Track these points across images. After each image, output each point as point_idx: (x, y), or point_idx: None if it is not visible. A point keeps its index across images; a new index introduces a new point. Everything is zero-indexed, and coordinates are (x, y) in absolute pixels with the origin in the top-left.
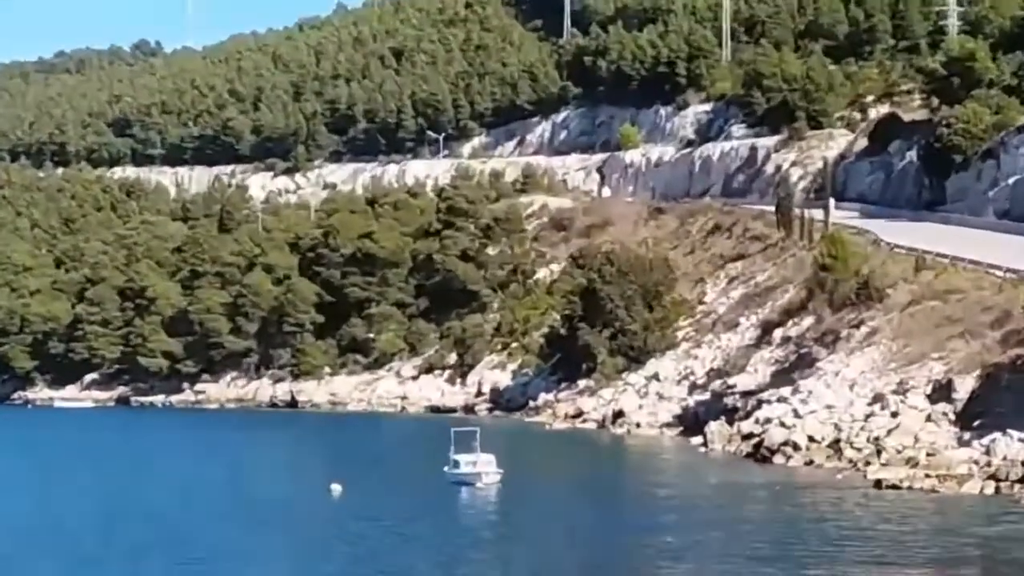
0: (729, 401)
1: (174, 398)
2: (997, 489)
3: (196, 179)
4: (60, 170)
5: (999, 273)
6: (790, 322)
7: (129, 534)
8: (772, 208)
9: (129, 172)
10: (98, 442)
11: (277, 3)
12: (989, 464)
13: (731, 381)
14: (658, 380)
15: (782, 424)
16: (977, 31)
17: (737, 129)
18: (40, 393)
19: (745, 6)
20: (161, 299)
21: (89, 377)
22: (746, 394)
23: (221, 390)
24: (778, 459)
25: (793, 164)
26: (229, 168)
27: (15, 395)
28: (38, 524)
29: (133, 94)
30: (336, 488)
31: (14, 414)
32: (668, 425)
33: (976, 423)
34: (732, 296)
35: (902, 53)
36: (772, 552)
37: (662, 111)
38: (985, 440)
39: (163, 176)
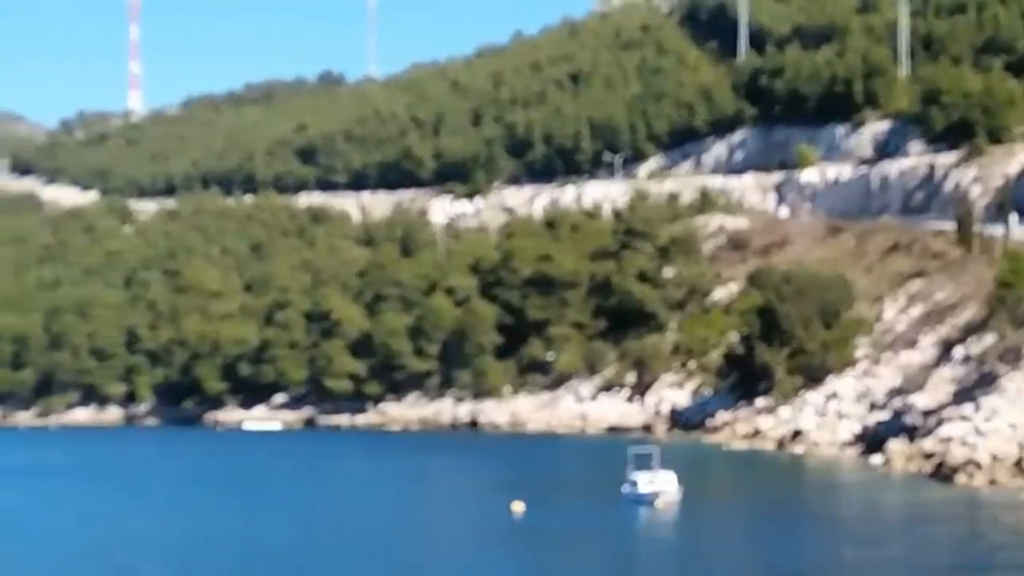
0: (909, 420)
1: (358, 419)
2: None
3: (379, 204)
4: (249, 197)
5: None
6: (970, 340)
7: (337, 552)
8: (952, 226)
9: (314, 198)
10: (291, 464)
11: (457, 32)
12: None
13: (911, 400)
14: (837, 399)
15: (964, 443)
16: None
17: (915, 146)
18: (230, 415)
19: (922, 23)
20: (345, 322)
21: (277, 399)
22: (926, 413)
23: (404, 411)
24: (960, 478)
25: (973, 181)
26: (411, 193)
27: (206, 417)
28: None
29: (318, 123)
30: (517, 507)
31: (209, 437)
32: (847, 444)
33: None
34: (911, 314)
35: None
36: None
37: (839, 130)
38: None
39: (347, 202)
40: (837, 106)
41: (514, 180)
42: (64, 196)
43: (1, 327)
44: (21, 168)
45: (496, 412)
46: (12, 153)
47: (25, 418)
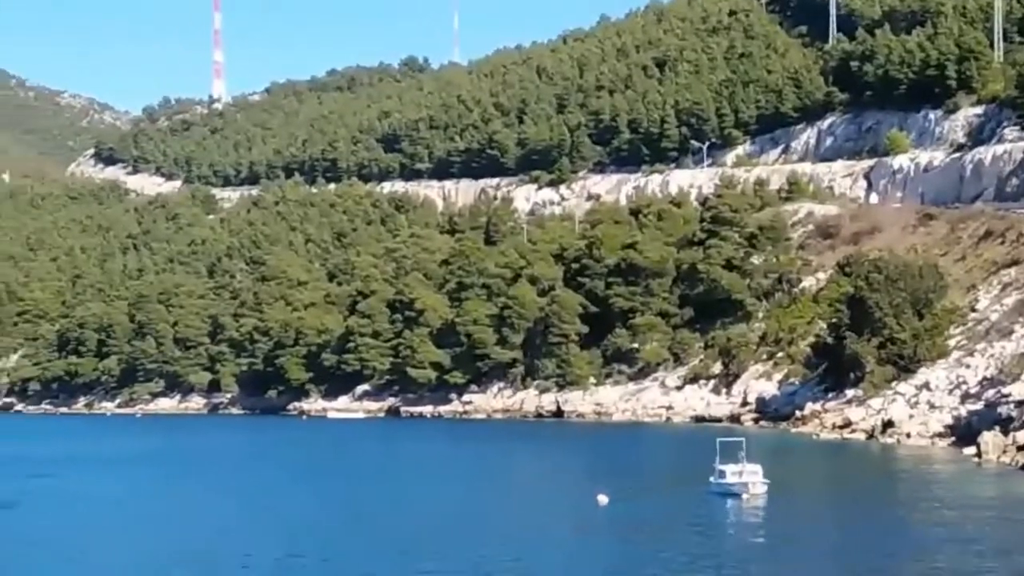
0: (1003, 411)
1: (442, 408)
2: None
3: (462, 192)
4: (332, 185)
5: None
6: None
7: (432, 538)
8: None
9: (398, 186)
10: (381, 452)
11: (541, 17)
12: None
13: (1005, 390)
14: (929, 389)
15: None
16: None
17: (1010, 132)
18: (314, 404)
19: (1017, 6)
20: (429, 311)
21: (360, 388)
22: (1021, 403)
23: (488, 400)
24: None
25: None
26: (495, 181)
27: (290, 406)
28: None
29: (401, 110)
30: (602, 499)
31: (297, 425)
32: (939, 435)
33: None
34: (1006, 303)
35: None
36: None
37: (931, 115)
38: None
39: (430, 190)
40: (929, 91)
41: (599, 167)
42: (148, 185)
43: (87, 316)
44: (106, 157)
45: (581, 402)
46: (97, 142)
47: (110, 406)
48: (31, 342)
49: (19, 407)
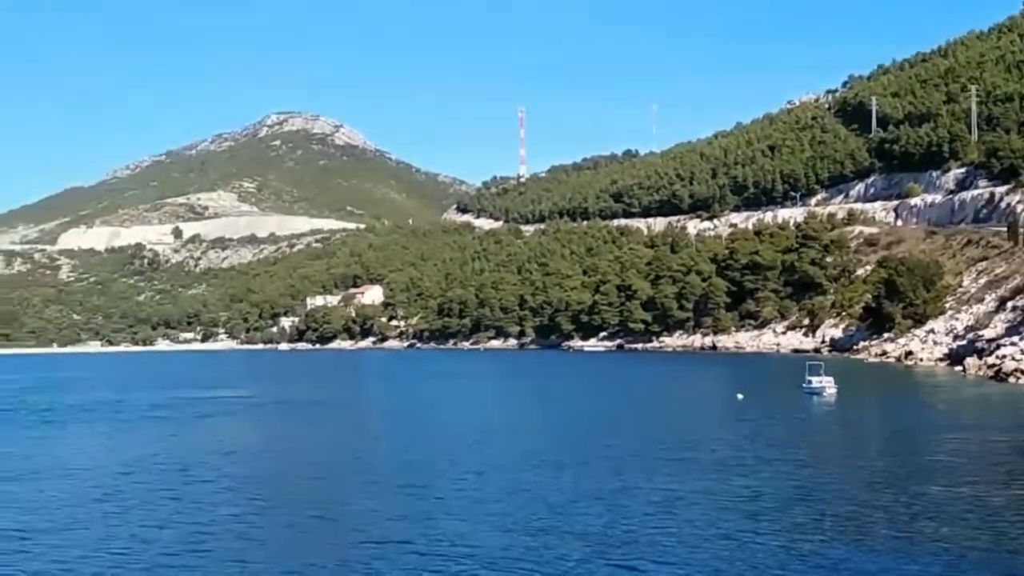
0: (979, 345)
1: (647, 345)
2: None
3: (658, 224)
4: (585, 222)
5: None
6: (1017, 297)
7: (633, 417)
8: (1004, 229)
9: (621, 222)
10: (614, 367)
11: (702, 123)
12: None
13: (980, 333)
14: (934, 333)
15: (1013, 358)
16: None
17: (981, 183)
18: (575, 343)
19: (985, 108)
20: (640, 291)
21: (601, 334)
22: (990, 340)
23: (673, 341)
24: (1012, 380)
25: (1018, 202)
26: (676, 217)
27: (563, 344)
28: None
29: (623, 179)
30: (740, 396)
31: (567, 355)
32: (940, 360)
33: None
34: (979, 282)
35: None
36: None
37: (933, 174)
38: None
39: (640, 223)
40: (932, 160)
41: (735, 209)
42: (485, 224)
43: (453, 295)
44: (462, 208)
45: (726, 341)
46: (457, 200)
47: (465, 345)
48: (424, 310)
49: (419, 346)
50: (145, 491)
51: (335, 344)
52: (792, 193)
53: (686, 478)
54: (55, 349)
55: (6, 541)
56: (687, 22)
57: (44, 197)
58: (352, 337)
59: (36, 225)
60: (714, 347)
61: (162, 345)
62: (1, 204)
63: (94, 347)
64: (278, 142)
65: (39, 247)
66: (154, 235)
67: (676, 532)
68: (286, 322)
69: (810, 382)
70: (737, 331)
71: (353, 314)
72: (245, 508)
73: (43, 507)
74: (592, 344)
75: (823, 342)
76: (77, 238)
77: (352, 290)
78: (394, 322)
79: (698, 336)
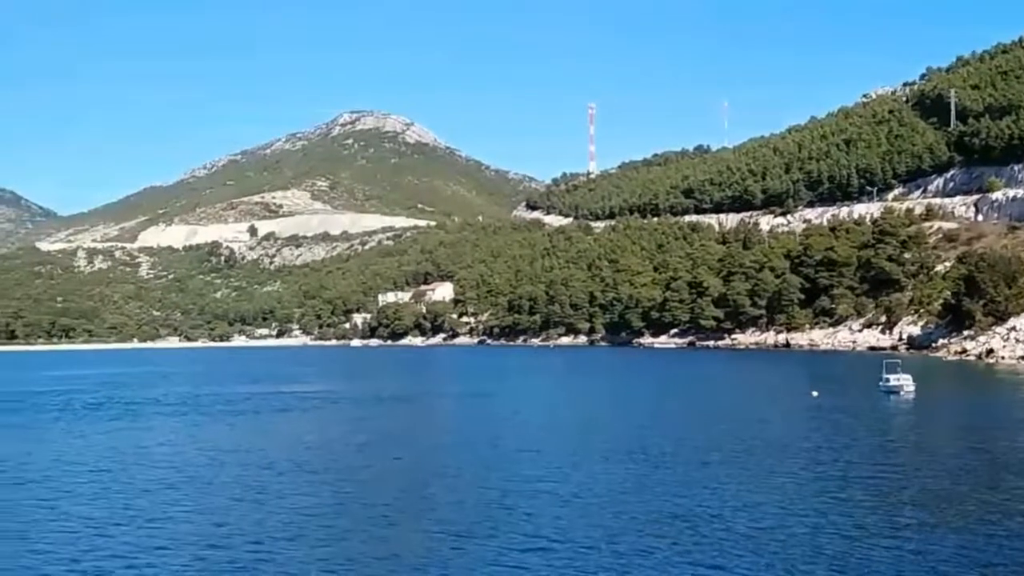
0: None
1: (719, 343)
2: None
3: (730, 220)
4: (655, 219)
5: None
6: None
7: (709, 412)
8: None
9: (691, 217)
10: (686, 363)
11: (774, 117)
12: None
13: None
14: (1015, 331)
15: None
16: None
17: None
18: (645, 340)
19: None
20: (711, 287)
21: (672, 331)
22: None
23: (745, 338)
24: None
25: None
26: (749, 213)
27: (633, 341)
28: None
29: (694, 175)
30: (815, 393)
31: (638, 352)
32: (1022, 358)
33: None
34: None
35: None
36: None
37: (1015, 167)
38: None
39: (711, 219)
40: (1013, 153)
41: (810, 204)
42: (554, 221)
43: (523, 292)
44: (532, 206)
45: (800, 339)
46: (527, 197)
47: (536, 342)
48: (494, 306)
49: (488, 342)
50: (233, 482)
51: (406, 340)
52: (868, 188)
53: (762, 474)
54: (135, 344)
55: (107, 528)
56: (759, 14)
57: (124, 196)
58: (423, 333)
59: (117, 224)
60: (788, 344)
61: (238, 341)
62: (84, 203)
63: (172, 343)
64: (350, 141)
65: (120, 245)
66: (230, 233)
67: (755, 528)
68: (358, 318)
69: (887, 380)
70: (811, 328)
71: (424, 311)
72: (329, 499)
73: (139, 496)
74: (663, 341)
75: (900, 340)
76: (156, 236)
77: (423, 287)
78: (464, 319)
79: (771, 333)
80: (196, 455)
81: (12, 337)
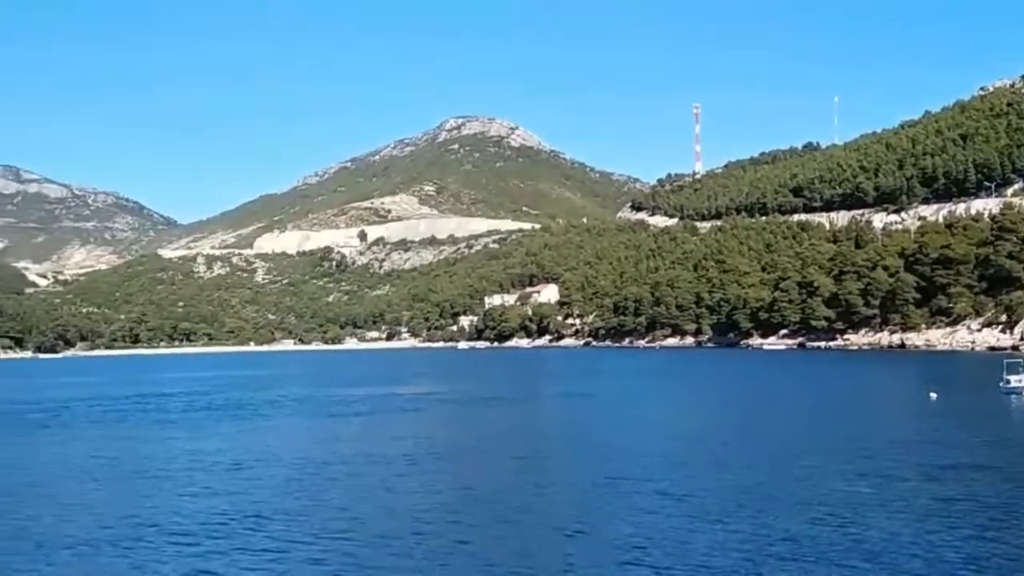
0: None
1: (830, 344)
2: None
3: (841, 219)
4: (763, 218)
5: None
6: None
7: (825, 410)
8: None
9: (801, 217)
10: (797, 365)
11: (887, 112)
12: None
13: None
14: None
15: None
16: None
17: None
18: (754, 341)
19: None
20: (822, 287)
21: (782, 331)
22: None
23: (858, 339)
24: None
25: None
26: (860, 211)
27: (741, 343)
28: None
29: (803, 172)
30: (933, 395)
31: (749, 354)
32: None
33: None
34: None
35: None
36: None
37: None
38: None
39: (822, 217)
40: None
41: (924, 201)
42: (659, 221)
43: (628, 293)
44: (637, 207)
45: (916, 339)
46: (632, 198)
47: (641, 343)
48: (599, 308)
49: (594, 344)
50: (358, 480)
51: (512, 342)
52: (986, 183)
53: (881, 480)
54: (252, 348)
55: (245, 522)
56: (868, 9)
57: (241, 204)
58: (529, 335)
59: (234, 231)
60: (903, 345)
61: (350, 343)
62: (203, 212)
63: (287, 345)
64: (456, 145)
65: (237, 251)
66: (341, 238)
67: (872, 536)
68: (465, 321)
69: (1008, 381)
70: (928, 328)
71: (530, 313)
72: (453, 497)
73: (271, 491)
74: (772, 342)
75: (1022, 339)
76: (271, 242)
77: (528, 289)
78: (570, 320)
79: (885, 333)
80: (322, 453)
81: (136, 341)
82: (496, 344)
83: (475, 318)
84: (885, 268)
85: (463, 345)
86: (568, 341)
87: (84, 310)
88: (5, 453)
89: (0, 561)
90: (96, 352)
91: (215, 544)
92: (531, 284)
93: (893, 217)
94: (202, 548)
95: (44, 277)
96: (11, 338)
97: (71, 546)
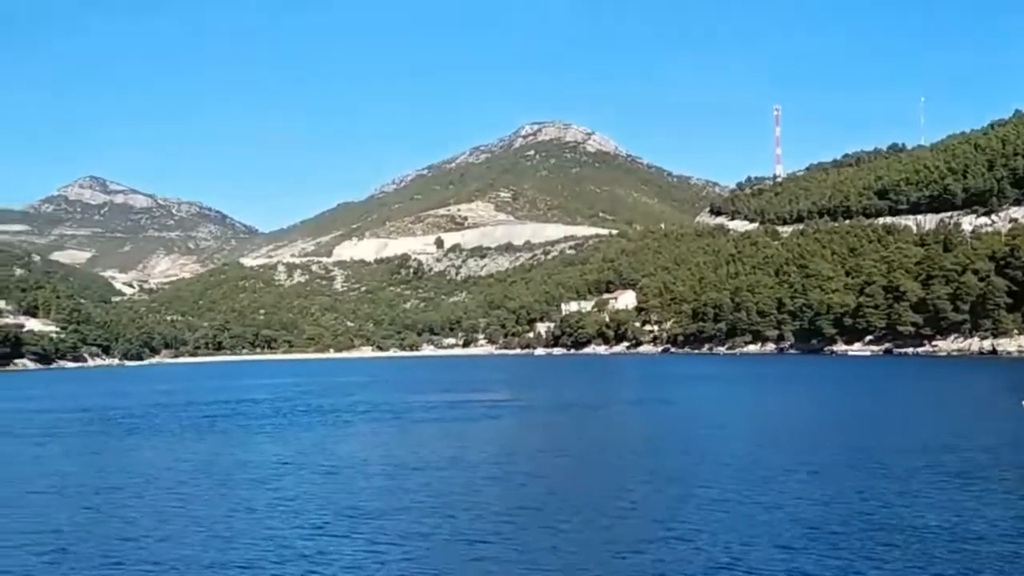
0: None
1: (919, 350)
2: None
3: (928, 221)
4: (847, 221)
5: None
6: None
7: (914, 416)
8: None
9: (887, 219)
10: (884, 372)
11: (975, 112)
12: None
13: None
14: None
15: None
16: None
17: None
18: (838, 347)
19: None
20: (909, 292)
21: (867, 338)
22: None
23: (947, 345)
24: None
25: None
26: (949, 214)
27: (825, 349)
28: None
29: (889, 174)
30: None
31: (833, 361)
32: None
33: None
34: None
35: None
36: None
37: None
38: None
39: (909, 220)
40: None
41: (1016, 202)
42: (739, 226)
43: (707, 299)
44: (715, 211)
45: (1008, 344)
46: (710, 203)
47: (721, 350)
48: (678, 314)
49: (672, 350)
50: (444, 485)
51: (589, 349)
52: None
53: (977, 491)
54: (331, 354)
55: (338, 525)
56: (952, 5)
57: (320, 212)
58: (606, 342)
59: (313, 239)
60: (994, 351)
61: (427, 350)
62: (283, 220)
63: (366, 352)
64: (532, 152)
65: (316, 259)
66: (418, 245)
67: (956, 551)
68: (542, 327)
69: None
70: (1020, 334)
71: (607, 319)
72: (536, 502)
73: (357, 496)
74: (857, 348)
75: None
76: (349, 250)
77: (605, 295)
78: (647, 327)
79: (975, 339)
80: (410, 458)
81: (219, 348)
82: (573, 351)
83: (551, 324)
84: (975, 272)
85: (540, 352)
86: (646, 348)
87: (168, 318)
88: (102, 459)
89: (104, 559)
90: (180, 359)
91: (314, 544)
92: (608, 290)
93: (983, 219)
94: (297, 551)
95: (130, 286)
96: (99, 346)
97: (173, 547)
